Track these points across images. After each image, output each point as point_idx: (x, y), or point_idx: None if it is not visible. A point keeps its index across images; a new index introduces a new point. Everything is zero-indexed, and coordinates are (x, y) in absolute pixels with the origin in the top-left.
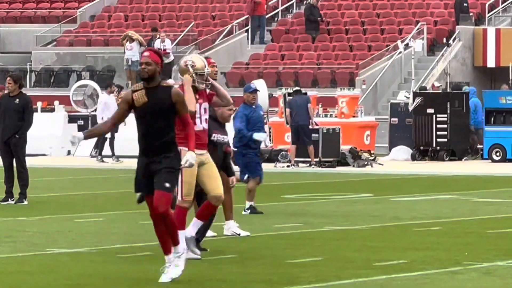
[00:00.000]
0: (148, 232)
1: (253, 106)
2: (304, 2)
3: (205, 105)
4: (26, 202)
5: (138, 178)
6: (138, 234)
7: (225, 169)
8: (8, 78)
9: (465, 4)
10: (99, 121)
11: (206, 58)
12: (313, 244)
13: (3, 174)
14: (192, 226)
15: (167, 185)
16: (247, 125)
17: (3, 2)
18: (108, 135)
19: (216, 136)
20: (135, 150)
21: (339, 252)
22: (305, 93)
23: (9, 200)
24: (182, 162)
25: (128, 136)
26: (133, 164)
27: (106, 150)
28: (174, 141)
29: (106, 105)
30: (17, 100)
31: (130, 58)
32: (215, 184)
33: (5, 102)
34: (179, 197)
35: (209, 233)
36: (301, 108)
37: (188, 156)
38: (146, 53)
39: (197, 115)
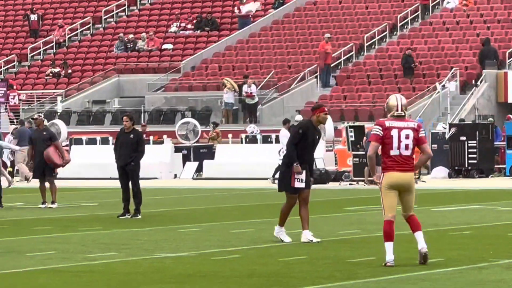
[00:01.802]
0: (237, 239)
1: None
2: (362, 53)
3: (407, 131)
4: (140, 217)
5: None
6: (229, 240)
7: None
8: (125, 117)
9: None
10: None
11: (320, 106)
12: (369, 247)
13: (121, 194)
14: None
15: None
16: None
17: (121, 57)
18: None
19: None
20: (226, 174)
21: None
22: None
23: (126, 215)
24: None
25: (220, 161)
26: (229, 184)
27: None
28: None
29: (285, 136)
30: (132, 135)
31: (224, 100)
32: (407, 208)
33: (121, 137)
34: (383, 214)
35: (286, 238)
36: None
37: None
38: None
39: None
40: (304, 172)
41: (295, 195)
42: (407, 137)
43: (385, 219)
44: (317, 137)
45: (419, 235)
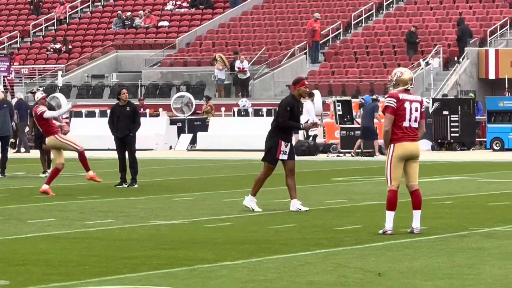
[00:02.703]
0: (229, 207)
1: None
2: (349, 31)
3: (416, 104)
4: (136, 186)
5: None
6: (221, 209)
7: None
8: (124, 90)
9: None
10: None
11: (301, 80)
12: (355, 216)
13: (118, 164)
14: (415, 219)
15: None
16: None
17: (119, 33)
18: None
19: None
20: (219, 145)
21: (375, 221)
22: (376, 99)
23: (123, 184)
24: None
25: (213, 134)
26: (222, 155)
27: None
28: None
29: (308, 110)
30: (128, 108)
31: (217, 75)
32: (413, 178)
33: (118, 110)
34: (388, 183)
35: (257, 208)
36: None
37: None
38: None
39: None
40: (288, 145)
41: (274, 166)
42: (416, 109)
43: (390, 188)
44: (301, 109)
45: (416, 214)
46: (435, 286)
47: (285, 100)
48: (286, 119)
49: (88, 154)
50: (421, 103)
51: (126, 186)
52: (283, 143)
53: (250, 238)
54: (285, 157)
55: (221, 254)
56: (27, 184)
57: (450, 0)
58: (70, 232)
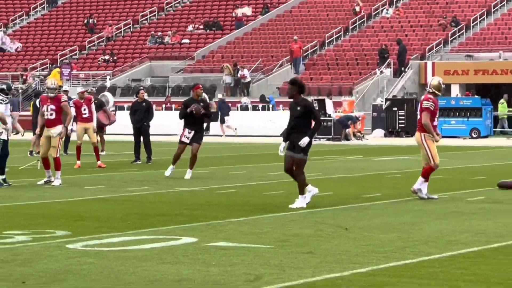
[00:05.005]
0: (234, 178)
1: None
2: (323, 47)
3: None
4: (151, 163)
5: None
6: (228, 179)
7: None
8: (142, 91)
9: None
10: None
11: (195, 85)
12: (329, 185)
13: (133, 147)
14: (423, 186)
15: None
16: None
17: (152, 48)
18: None
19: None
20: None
21: (343, 189)
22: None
23: (137, 161)
24: None
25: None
26: (228, 140)
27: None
28: None
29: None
30: (144, 103)
31: (225, 79)
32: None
33: (136, 105)
34: (432, 162)
35: (168, 173)
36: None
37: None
38: None
39: None
40: (192, 132)
41: (180, 145)
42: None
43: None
44: (202, 104)
45: (419, 178)
46: (388, 238)
47: (185, 100)
48: (181, 111)
49: (129, 138)
50: (420, 101)
51: (140, 162)
52: (186, 130)
53: (250, 201)
54: (187, 140)
55: (228, 213)
56: (83, 160)
57: (398, 25)
58: (116, 196)
